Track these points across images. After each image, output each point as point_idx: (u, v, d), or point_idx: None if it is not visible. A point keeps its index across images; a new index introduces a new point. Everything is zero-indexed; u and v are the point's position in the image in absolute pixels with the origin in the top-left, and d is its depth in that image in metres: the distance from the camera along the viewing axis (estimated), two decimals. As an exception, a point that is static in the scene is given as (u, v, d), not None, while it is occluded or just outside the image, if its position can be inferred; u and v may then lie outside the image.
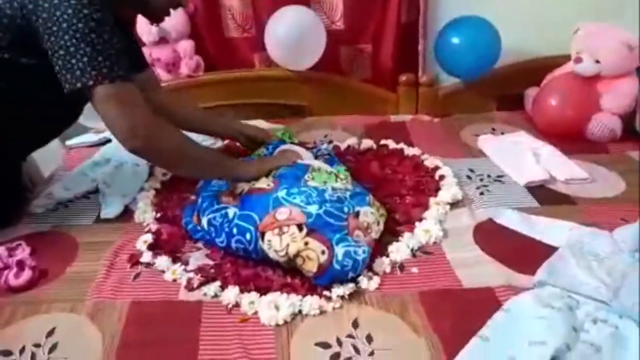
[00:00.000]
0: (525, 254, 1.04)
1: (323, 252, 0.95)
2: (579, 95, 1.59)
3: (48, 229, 1.20)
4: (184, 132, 1.21)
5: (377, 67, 1.90)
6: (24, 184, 1.32)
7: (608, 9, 1.71)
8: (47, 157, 1.49)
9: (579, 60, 1.58)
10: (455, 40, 1.69)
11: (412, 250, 1.06)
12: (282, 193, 1.07)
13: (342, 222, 1.02)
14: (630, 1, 1.69)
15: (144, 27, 1.75)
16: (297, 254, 0.96)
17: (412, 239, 1.08)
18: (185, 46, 1.83)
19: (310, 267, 0.95)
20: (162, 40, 1.80)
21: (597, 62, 1.55)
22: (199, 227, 1.11)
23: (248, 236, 1.01)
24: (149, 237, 1.12)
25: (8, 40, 0.99)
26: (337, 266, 0.95)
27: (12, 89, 1.04)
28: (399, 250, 1.05)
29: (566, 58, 1.66)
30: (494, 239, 1.10)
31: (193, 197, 1.21)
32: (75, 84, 0.96)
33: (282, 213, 1.01)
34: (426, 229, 1.11)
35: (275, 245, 0.97)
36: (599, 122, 1.55)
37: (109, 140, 1.56)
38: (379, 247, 1.06)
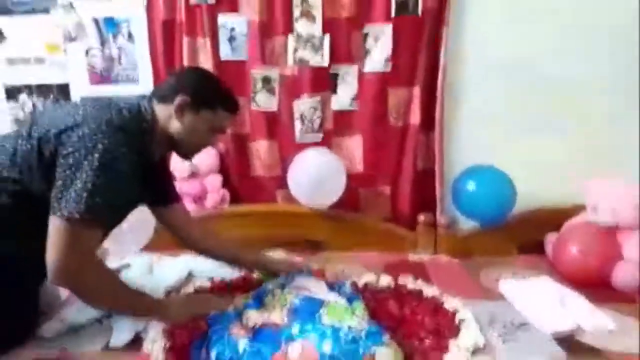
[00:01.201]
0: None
1: (336, 396, 0.89)
2: (599, 244, 1.58)
3: (55, 355, 1.16)
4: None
5: (396, 208, 1.96)
6: (41, 309, 1.30)
7: (618, 158, 1.76)
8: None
9: (595, 211, 1.60)
10: (471, 187, 1.75)
11: (431, 401, 0.99)
12: (295, 329, 1.04)
13: (357, 364, 0.97)
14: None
15: (177, 163, 1.86)
16: (308, 396, 0.90)
17: (431, 389, 1.01)
18: (213, 180, 1.94)
19: (322, 411, 0.89)
20: (192, 175, 1.91)
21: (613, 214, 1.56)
22: (206, 362, 1.06)
23: (257, 373, 0.97)
24: (154, 370, 1.07)
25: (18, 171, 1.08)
26: (349, 412, 0.88)
27: (25, 218, 1.09)
28: (417, 401, 0.98)
29: (582, 206, 1.68)
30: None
31: (205, 327, 1.18)
32: (62, 212, 1.00)
33: (294, 349, 0.97)
34: (446, 378, 1.04)
35: (286, 385, 0.92)
36: (624, 271, 1.51)
37: (128, 265, 1.58)
38: (396, 395, 1.00)
